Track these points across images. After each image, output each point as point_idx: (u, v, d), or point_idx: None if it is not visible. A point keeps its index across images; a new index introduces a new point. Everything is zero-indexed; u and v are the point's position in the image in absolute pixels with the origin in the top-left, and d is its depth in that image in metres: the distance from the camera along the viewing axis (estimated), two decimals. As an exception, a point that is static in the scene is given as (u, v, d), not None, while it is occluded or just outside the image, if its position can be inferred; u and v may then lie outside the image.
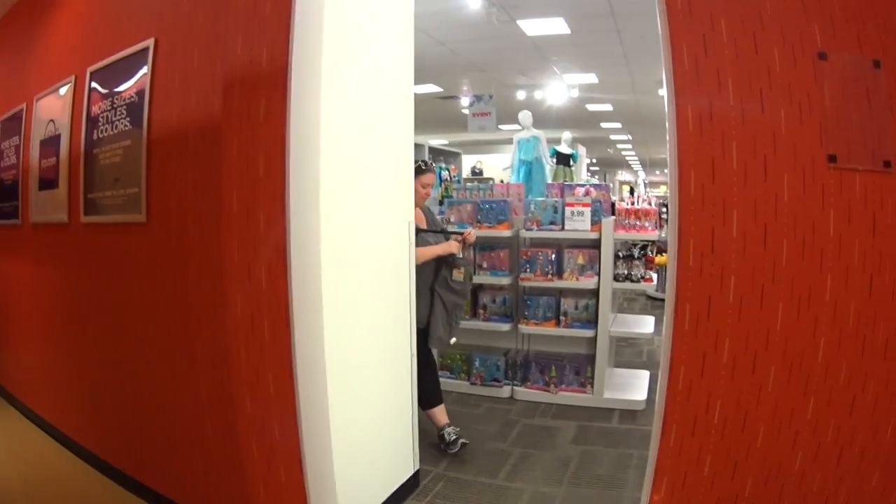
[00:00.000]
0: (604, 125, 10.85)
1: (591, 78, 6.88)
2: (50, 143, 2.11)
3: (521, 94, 7.35)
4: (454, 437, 2.50)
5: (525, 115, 5.90)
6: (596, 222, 2.95)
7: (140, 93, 1.78)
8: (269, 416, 1.67)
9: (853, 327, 1.55)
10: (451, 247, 2.57)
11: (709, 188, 1.46)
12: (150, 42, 1.78)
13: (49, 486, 2.19)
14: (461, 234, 2.61)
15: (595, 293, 2.97)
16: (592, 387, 3.05)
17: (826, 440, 1.59)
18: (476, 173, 9.66)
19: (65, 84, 2.04)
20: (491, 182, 4.24)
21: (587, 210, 2.92)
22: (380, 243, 1.92)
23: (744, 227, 1.47)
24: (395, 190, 2.03)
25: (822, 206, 1.51)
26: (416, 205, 2.58)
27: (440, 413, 2.57)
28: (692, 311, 1.49)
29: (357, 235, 1.78)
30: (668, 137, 1.49)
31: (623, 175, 22.55)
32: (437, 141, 11.89)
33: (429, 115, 8.87)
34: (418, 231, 2.44)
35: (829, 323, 1.53)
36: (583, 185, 3.31)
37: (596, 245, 2.95)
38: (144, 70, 1.77)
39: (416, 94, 8.06)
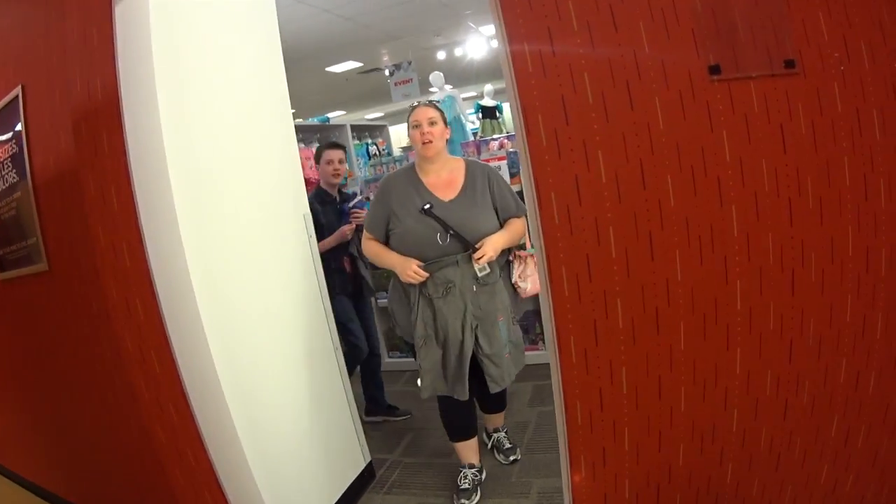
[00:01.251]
0: None
1: None
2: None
3: (441, 55, 6.77)
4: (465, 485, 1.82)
5: (436, 77, 5.36)
6: (515, 174, 2.61)
7: (20, 143, 1.68)
8: (180, 443, 1.54)
9: (775, 262, 1.23)
10: (405, 269, 1.63)
11: (563, 131, 1.17)
12: (18, 90, 1.66)
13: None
14: (475, 248, 1.64)
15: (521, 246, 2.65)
16: (544, 343, 2.74)
17: (764, 394, 1.28)
18: (412, 141, 9.19)
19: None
20: (406, 152, 3.93)
21: (503, 163, 2.59)
22: (266, 244, 1.71)
23: (614, 169, 1.17)
24: (277, 186, 1.81)
25: (710, 127, 1.18)
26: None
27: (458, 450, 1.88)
28: (570, 273, 1.21)
29: (237, 242, 1.59)
30: (505, 83, 1.20)
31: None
32: (372, 114, 11.18)
33: (356, 91, 8.32)
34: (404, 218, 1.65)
35: (742, 263, 1.22)
36: (496, 139, 2.97)
37: (520, 197, 2.62)
38: (19, 119, 1.66)
39: (337, 73, 7.45)
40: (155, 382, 1.49)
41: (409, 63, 5.58)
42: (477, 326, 1.67)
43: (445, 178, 1.75)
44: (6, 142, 1.73)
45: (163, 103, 1.40)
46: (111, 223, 1.46)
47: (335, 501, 1.83)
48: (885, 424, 1.31)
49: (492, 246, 1.66)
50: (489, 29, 6.18)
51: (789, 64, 1.20)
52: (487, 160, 2.62)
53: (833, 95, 1.19)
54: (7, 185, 1.74)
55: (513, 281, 1.78)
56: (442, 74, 5.34)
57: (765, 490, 1.37)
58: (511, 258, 1.82)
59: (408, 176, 1.77)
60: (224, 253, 1.54)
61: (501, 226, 1.75)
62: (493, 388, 1.69)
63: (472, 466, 1.86)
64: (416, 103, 1.81)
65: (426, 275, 1.64)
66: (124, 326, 1.50)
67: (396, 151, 4.85)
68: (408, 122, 1.77)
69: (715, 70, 1.18)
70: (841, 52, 1.19)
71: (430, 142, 1.70)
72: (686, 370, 1.26)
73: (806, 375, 1.28)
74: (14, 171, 1.71)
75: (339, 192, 2.42)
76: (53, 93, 1.62)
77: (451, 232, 1.64)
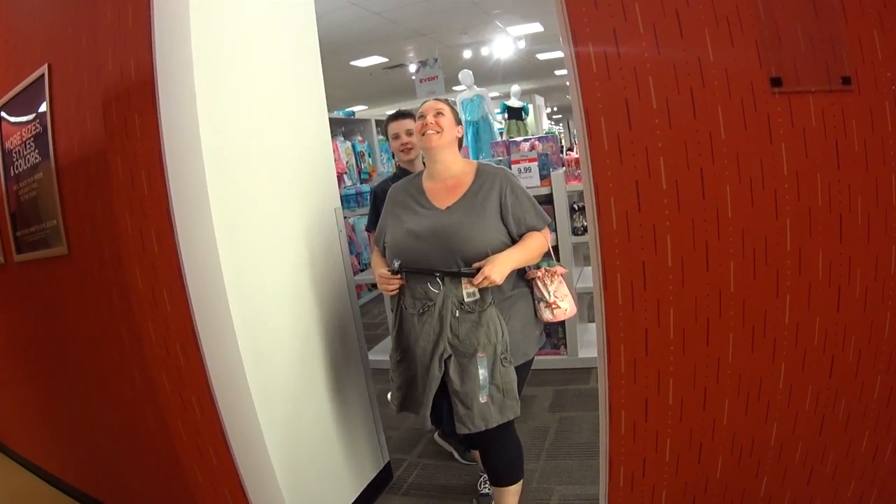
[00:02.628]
0: (558, 73, 9.45)
1: (536, 27, 5.94)
2: (-24, 186, 1.88)
3: (467, 54, 6.49)
4: (486, 489, 1.69)
5: (465, 75, 5.11)
6: (545, 176, 2.48)
7: (44, 123, 1.52)
8: (202, 440, 1.40)
9: (824, 277, 1.15)
10: (377, 280, 1.38)
11: (625, 135, 1.08)
12: (44, 69, 1.50)
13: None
14: (471, 273, 1.27)
15: (556, 250, 2.52)
16: (566, 347, 2.62)
17: (804, 409, 1.21)
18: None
19: (-23, 124, 1.80)
20: None
21: (534, 165, 2.45)
22: (297, 239, 1.58)
23: (675, 175, 1.08)
24: (310, 180, 1.67)
25: (769, 139, 1.10)
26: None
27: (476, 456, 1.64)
28: (624, 280, 1.12)
29: (267, 237, 1.45)
30: (569, 84, 1.11)
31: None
32: (394, 110, 11.07)
33: (379, 86, 7.96)
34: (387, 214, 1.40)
35: (793, 277, 1.14)
36: (528, 140, 2.86)
37: (549, 200, 2.49)
38: (44, 98, 1.51)
39: (361, 67, 6.42)
40: (179, 377, 1.35)
41: (436, 60, 5.37)
42: (450, 357, 1.31)
43: (451, 184, 1.41)
44: (29, 122, 1.57)
45: (199, 88, 1.27)
46: (140, 209, 1.32)
47: (352, 502, 1.70)
48: (913, 441, 1.25)
49: (497, 268, 1.24)
50: (517, 29, 5.99)
51: (846, 81, 1.12)
52: (517, 161, 2.48)
53: (885, 114, 1.12)
54: (29, 165, 1.58)
55: (550, 301, 1.39)
56: (471, 73, 5.11)
57: (795, 503, 1.30)
58: (536, 276, 1.40)
59: (411, 182, 1.48)
60: (255, 246, 1.40)
61: (514, 241, 1.36)
62: (459, 429, 1.32)
63: None
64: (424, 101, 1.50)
65: (393, 279, 1.32)
66: (149, 317, 1.35)
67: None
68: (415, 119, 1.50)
69: (776, 82, 1.10)
70: (893, 72, 1.12)
71: (434, 133, 1.37)
72: (732, 383, 1.18)
73: (843, 391, 1.21)
74: (37, 151, 1.55)
75: None
76: (82, 73, 1.47)
77: (438, 275, 1.29)
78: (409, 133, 1.83)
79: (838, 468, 1.27)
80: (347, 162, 4.32)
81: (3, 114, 1.66)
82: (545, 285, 1.40)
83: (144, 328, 1.36)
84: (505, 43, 6.34)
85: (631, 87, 1.07)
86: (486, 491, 1.70)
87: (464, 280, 1.28)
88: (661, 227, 1.10)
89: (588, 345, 2.68)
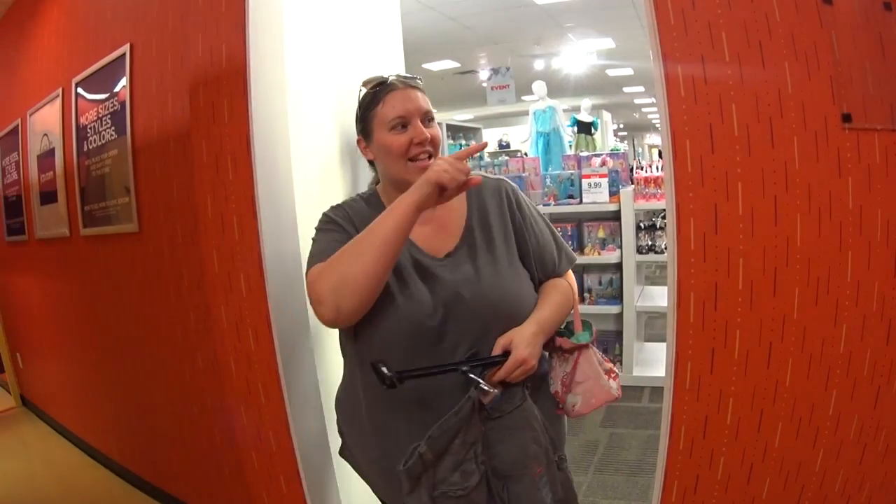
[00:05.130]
0: (626, 90, 9.48)
1: (608, 43, 5.96)
2: (47, 157, 1.89)
3: (538, 64, 6.51)
4: None
5: (539, 85, 5.09)
6: (614, 193, 2.48)
7: (122, 101, 1.53)
8: (263, 426, 1.40)
9: (878, 310, 1.18)
10: (437, 174, 0.83)
11: (708, 159, 1.11)
12: (126, 48, 1.54)
13: (80, 498, 1.97)
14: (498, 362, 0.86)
15: (619, 267, 2.51)
16: (622, 364, 2.60)
17: (848, 438, 1.23)
18: (503, 146, 8.70)
19: (53, 97, 1.81)
20: (504, 158, 3.79)
21: (604, 181, 2.46)
22: None
23: (751, 202, 1.12)
24: None
25: (838, 173, 1.14)
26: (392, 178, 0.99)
27: None
28: (697, 300, 1.15)
29: None
30: (657, 106, 1.14)
31: (651, 138, 18.27)
32: (462, 116, 10.61)
33: (449, 91, 7.94)
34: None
35: (850, 308, 1.17)
36: (599, 155, 2.85)
37: (616, 217, 2.50)
38: (124, 77, 1.52)
39: (433, 71, 6.54)
40: (248, 362, 1.36)
41: (508, 69, 5.35)
42: (503, 487, 0.88)
43: (438, 214, 0.94)
44: (106, 99, 1.58)
45: (290, 79, 1.29)
46: (222, 193, 1.33)
47: None
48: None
49: (531, 347, 0.87)
50: (589, 44, 6.00)
51: (909, 121, 1.17)
52: (588, 175, 2.48)
53: (943, 156, 1.17)
54: (104, 141, 1.59)
55: (552, 390, 1.00)
56: (545, 84, 5.07)
57: (831, 530, 1.31)
58: (553, 350, 1.01)
59: (376, 210, 0.90)
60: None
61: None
62: None
63: None
64: (389, 77, 0.95)
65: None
66: (222, 301, 1.37)
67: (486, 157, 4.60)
68: (366, 108, 0.96)
69: (847, 118, 1.15)
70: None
71: (430, 157, 0.90)
72: (786, 407, 1.20)
73: (885, 423, 1.23)
74: (112, 128, 1.56)
75: None
76: (165, 54, 1.50)
77: (465, 369, 0.83)
78: None
79: (872, 499, 1.28)
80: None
81: (80, 90, 1.67)
82: (552, 367, 1.01)
83: (216, 311, 1.37)
84: (576, 56, 6.26)
85: (715, 113, 1.11)
86: None
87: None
88: (735, 251, 1.13)
89: (642, 363, 2.64)
